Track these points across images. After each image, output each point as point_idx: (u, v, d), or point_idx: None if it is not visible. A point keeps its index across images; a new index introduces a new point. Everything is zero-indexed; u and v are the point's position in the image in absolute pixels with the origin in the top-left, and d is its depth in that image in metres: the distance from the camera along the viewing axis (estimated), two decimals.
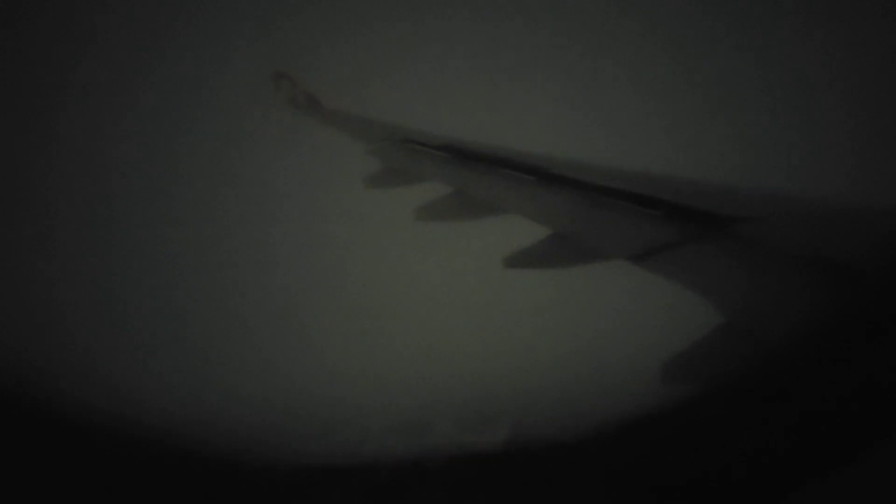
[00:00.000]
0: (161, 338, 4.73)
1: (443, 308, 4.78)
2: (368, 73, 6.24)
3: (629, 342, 4.03)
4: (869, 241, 2.37)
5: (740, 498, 1.75)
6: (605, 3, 5.96)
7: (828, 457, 1.73)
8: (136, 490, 2.06)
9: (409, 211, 4.33)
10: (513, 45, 6.09)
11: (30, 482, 1.97)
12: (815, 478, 1.70)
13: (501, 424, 3.75)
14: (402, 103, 5.88)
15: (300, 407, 4.08)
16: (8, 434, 2.11)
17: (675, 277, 2.65)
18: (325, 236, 5.34)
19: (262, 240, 5.36)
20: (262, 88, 6.46)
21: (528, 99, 5.86)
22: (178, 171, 5.75)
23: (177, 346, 4.68)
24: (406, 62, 6.21)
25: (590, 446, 2.04)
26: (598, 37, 5.94)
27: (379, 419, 4.01)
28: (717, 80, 5.67)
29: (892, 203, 2.51)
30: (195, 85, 6.13)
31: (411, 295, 4.86)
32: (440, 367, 4.36)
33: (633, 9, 5.89)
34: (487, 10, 6.16)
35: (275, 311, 4.95)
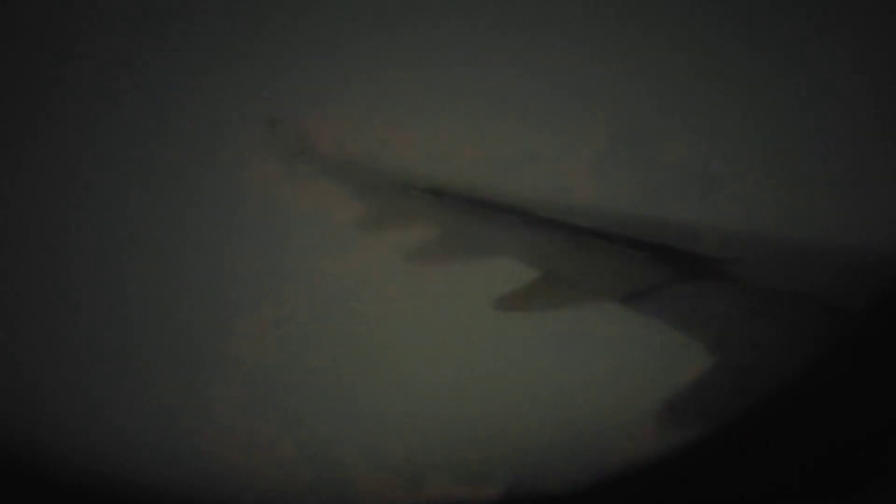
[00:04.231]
0: (139, 388, 4.65)
1: (433, 353, 4.73)
2: (360, 118, 6.30)
3: (621, 385, 3.99)
4: (859, 282, 2.37)
5: None
6: (593, 46, 6.06)
7: (824, 497, 1.71)
8: None
9: (399, 254, 4.32)
10: (503, 89, 6.18)
11: None
12: None
13: (496, 475, 3.68)
14: (392, 147, 5.92)
15: (291, 459, 4.01)
16: None
17: (666, 318, 2.64)
18: (314, 280, 5.31)
19: (248, 284, 5.32)
20: (255, 133, 6.50)
21: (518, 142, 5.92)
22: (162, 211, 5.73)
23: (159, 396, 4.59)
24: (397, 107, 6.28)
25: (585, 496, 2.00)
26: (585, 80, 6.03)
27: (371, 471, 3.93)
28: (707, 123, 5.74)
29: (881, 243, 2.52)
30: (186, 130, 6.17)
31: (401, 340, 4.82)
32: (432, 415, 4.30)
33: (621, 50, 5.99)
34: (477, 53, 6.26)
35: (259, 358, 4.88)
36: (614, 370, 4.16)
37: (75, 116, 5.94)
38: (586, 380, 4.18)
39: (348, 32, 6.34)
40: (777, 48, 5.72)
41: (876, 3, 5.34)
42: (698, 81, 5.81)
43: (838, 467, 1.67)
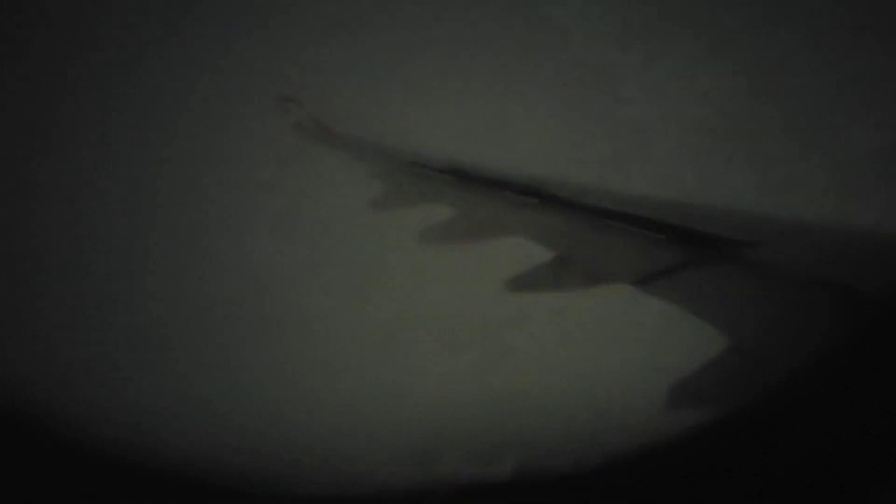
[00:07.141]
0: (156, 366, 4.69)
1: (445, 334, 4.73)
2: (374, 97, 6.27)
3: (633, 367, 3.97)
4: (881, 270, 2.32)
5: None
6: (607, 29, 5.99)
7: (838, 487, 1.69)
8: None
9: (413, 234, 4.32)
10: (517, 69, 6.12)
11: None
12: None
13: (508, 456, 3.69)
14: (407, 126, 5.89)
15: (306, 438, 4.03)
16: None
17: (680, 301, 2.62)
18: (328, 260, 5.32)
19: (263, 264, 5.33)
20: (269, 111, 6.49)
21: (532, 121, 5.87)
22: (176, 189, 5.75)
23: (176, 374, 4.64)
24: (411, 86, 6.25)
25: (597, 477, 2.00)
26: (601, 61, 5.96)
27: (385, 451, 3.95)
28: (723, 104, 5.66)
29: None
30: (200, 106, 6.17)
31: (412, 321, 4.82)
32: (445, 396, 4.30)
33: (634, 33, 5.91)
34: (492, 34, 6.20)
35: (274, 338, 4.90)
36: (627, 352, 4.13)
37: (87, 96, 5.97)
38: (598, 361, 4.16)
39: (364, 7, 6.29)
40: (790, 31, 5.61)
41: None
42: (716, 62, 5.72)
43: (851, 460, 1.65)
